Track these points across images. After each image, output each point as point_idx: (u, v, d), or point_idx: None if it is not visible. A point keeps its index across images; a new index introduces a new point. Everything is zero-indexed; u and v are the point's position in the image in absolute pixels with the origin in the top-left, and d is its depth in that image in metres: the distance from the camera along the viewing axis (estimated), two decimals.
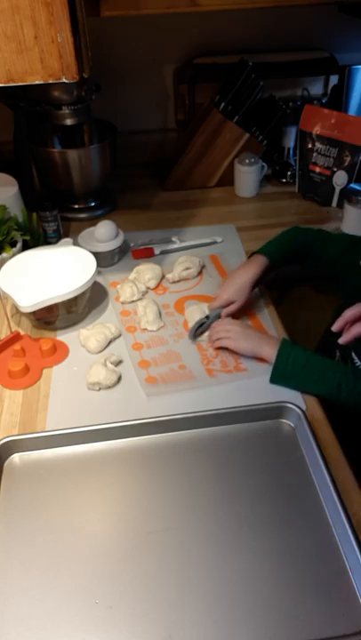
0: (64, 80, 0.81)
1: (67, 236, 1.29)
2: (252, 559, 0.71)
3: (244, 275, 1.07)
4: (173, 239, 1.31)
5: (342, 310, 0.84)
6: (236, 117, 1.44)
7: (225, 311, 1.05)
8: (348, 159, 1.38)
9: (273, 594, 0.68)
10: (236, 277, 1.08)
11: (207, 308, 1.08)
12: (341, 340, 0.82)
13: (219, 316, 1.05)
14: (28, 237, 1.19)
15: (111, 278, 1.20)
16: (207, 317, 1.05)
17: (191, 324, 1.05)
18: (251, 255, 1.13)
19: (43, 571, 0.71)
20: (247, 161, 1.46)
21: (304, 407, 0.87)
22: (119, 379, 0.95)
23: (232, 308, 1.05)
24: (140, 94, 1.57)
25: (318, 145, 1.42)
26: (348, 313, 0.83)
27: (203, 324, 1.04)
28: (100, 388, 0.94)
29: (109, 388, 0.94)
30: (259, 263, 1.08)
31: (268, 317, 1.09)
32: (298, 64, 1.54)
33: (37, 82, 0.82)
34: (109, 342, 1.03)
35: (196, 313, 1.07)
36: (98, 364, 0.95)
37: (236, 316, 1.07)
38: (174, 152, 1.56)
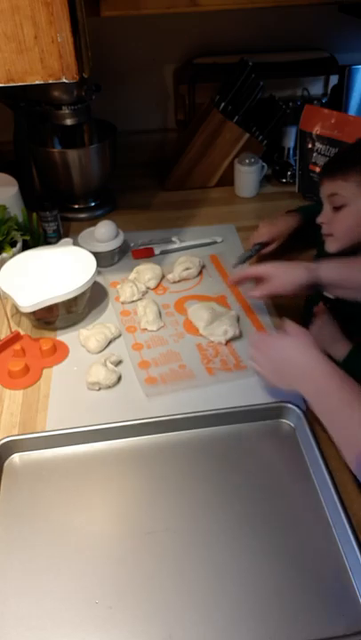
0: (64, 80, 0.81)
1: (67, 236, 1.29)
2: (252, 559, 0.71)
3: (284, 221, 1.16)
4: (173, 239, 1.31)
5: None
6: (236, 117, 1.44)
7: (265, 250, 1.13)
8: None
9: (273, 594, 0.68)
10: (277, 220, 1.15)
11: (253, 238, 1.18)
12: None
13: (258, 251, 1.16)
14: (28, 237, 1.19)
15: (111, 278, 1.20)
16: (251, 251, 1.14)
17: (197, 322, 1.05)
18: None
19: (43, 571, 0.71)
20: (247, 161, 1.46)
21: (304, 407, 0.87)
22: (119, 379, 0.95)
23: (271, 248, 1.11)
24: (140, 94, 1.57)
25: (318, 145, 1.42)
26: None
27: (249, 256, 1.14)
28: (99, 388, 0.94)
29: (109, 387, 0.94)
30: (296, 217, 1.16)
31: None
32: (298, 64, 1.54)
33: (37, 82, 0.82)
34: (109, 342, 1.03)
35: (200, 311, 1.06)
36: (98, 364, 0.95)
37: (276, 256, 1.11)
38: (174, 152, 1.56)
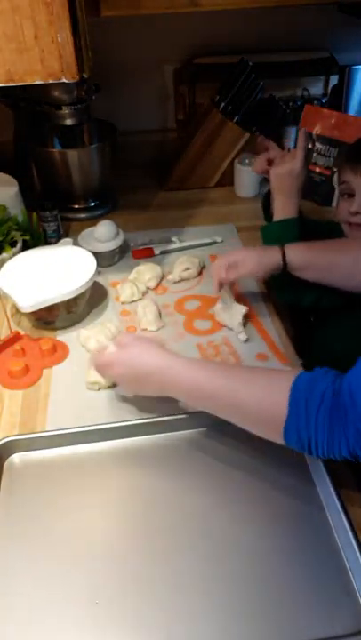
0: (64, 80, 0.81)
1: (67, 236, 1.30)
2: (252, 559, 0.71)
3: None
4: (173, 239, 1.31)
5: None
6: (236, 117, 1.44)
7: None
8: None
9: (273, 594, 0.68)
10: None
11: None
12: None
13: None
14: (28, 237, 1.19)
15: (111, 278, 1.20)
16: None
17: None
18: None
19: (43, 571, 0.71)
20: (247, 161, 1.46)
21: None
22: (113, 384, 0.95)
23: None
24: (140, 94, 1.57)
25: (318, 145, 1.42)
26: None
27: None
28: (99, 388, 0.94)
29: (109, 387, 0.94)
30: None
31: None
32: (298, 64, 1.54)
33: (37, 82, 0.82)
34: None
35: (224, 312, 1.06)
36: None
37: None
38: (174, 152, 1.56)
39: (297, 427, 0.66)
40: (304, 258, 0.97)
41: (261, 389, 0.71)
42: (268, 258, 0.98)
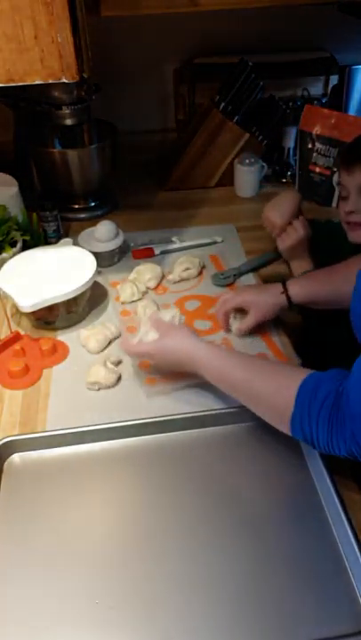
0: (64, 80, 0.81)
1: (67, 236, 1.29)
2: (253, 559, 0.71)
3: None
4: (173, 239, 1.31)
5: None
6: (236, 117, 1.44)
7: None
8: None
9: (273, 594, 0.68)
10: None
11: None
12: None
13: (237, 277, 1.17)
14: (28, 237, 1.19)
15: (111, 278, 1.20)
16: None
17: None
18: None
19: (43, 571, 0.71)
20: (247, 161, 1.46)
21: None
22: (119, 378, 0.95)
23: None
24: (140, 94, 1.57)
25: (318, 145, 1.42)
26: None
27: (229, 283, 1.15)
28: (99, 388, 0.94)
29: (109, 387, 0.94)
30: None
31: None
32: (298, 64, 1.54)
33: (37, 82, 0.82)
34: (109, 342, 1.03)
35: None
36: (98, 364, 0.95)
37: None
38: (174, 152, 1.56)
39: (301, 423, 0.72)
40: (307, 292, 0.99)
41: (274, 384, 0.77)
42: (276, 300, 1.00)
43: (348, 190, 1.02)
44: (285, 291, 0.99)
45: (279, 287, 1.00)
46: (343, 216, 1.05)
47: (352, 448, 0.67)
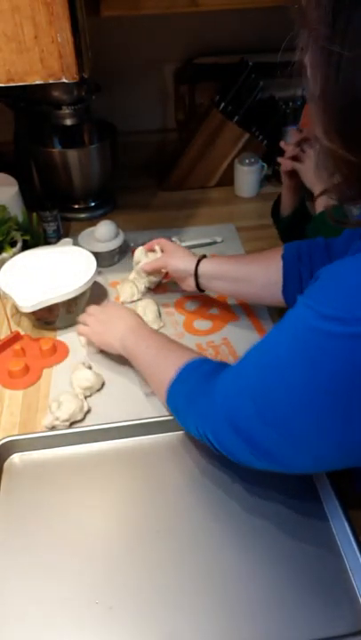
0: (64, 80, 0.81)
1: (67, 236, 1.30)
2: (253, 559, 0.71)
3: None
4: (173, 239, 1.31)
5: None
6: (236, 117, 1.44)
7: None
8: None
9: (273, 594, 0.68)
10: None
11: None
12: None
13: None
14: (28, 237, 1.19)
15: (111, 278, 1.20)
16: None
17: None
18: None
19: (43, 571, 0.71)
20: (247, 161, 1.46)
21: None
22: (102, 384, 0.95)
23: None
24: (140, 94, 1.57)
25: None
26: None
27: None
28: (90, 394, 0.93)
29: (98, 391, 0.94)
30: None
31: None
32: (298, 64, 1.54)
33: (37, 82, 0.82)
34: None
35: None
36: (82, 368, 0.94)
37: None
38: (174, 152, 1.56)
39: (175, 389, 0.78)
40: (215, 267, 1.00)
41: (164, 361, 0.83)
42: (186, 263, 1.02)
43: None
44: (199, 260, 1.01)
45: (195, 256, 1.03)
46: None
47: (207, 433, 0.69)
